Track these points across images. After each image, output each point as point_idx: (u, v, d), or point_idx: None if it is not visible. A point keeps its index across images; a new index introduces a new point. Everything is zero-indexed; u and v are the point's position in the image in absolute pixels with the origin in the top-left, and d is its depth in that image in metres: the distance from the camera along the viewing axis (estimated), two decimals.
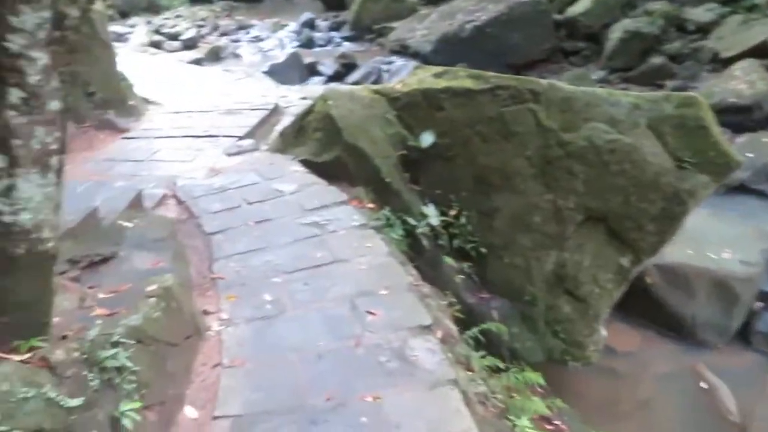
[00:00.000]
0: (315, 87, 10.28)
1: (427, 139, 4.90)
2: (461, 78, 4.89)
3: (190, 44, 14.49)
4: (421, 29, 13.33)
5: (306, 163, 5.17)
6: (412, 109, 5.03)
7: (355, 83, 11.59)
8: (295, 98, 8.50)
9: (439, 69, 5.14)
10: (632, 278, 4.81)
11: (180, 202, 4.60)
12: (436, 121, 4.95)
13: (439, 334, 3.17)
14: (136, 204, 4.31)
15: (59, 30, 1.69)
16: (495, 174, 4.91)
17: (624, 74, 11.39)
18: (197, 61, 12.21)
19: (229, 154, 5.85)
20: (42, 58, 1.69)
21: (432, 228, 4.98)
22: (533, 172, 4.72)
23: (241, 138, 6.32)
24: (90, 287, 3.05)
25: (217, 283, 3.47)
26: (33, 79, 1.69)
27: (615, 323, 5.28)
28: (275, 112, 7.50)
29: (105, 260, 3.46)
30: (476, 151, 4.90)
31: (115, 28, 16.34)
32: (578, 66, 12.33)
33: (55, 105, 1.77)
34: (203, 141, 6.33)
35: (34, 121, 1.74)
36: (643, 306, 5.44)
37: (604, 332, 4.90)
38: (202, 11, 17.02)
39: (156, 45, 14.45)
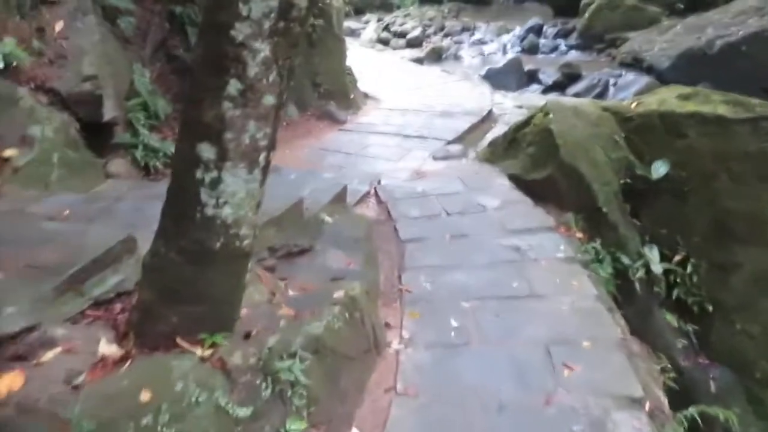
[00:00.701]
0: (532, 96, 9.79)
1: (659, 169, 4.24)
2: (714, 102, 4.13)
3: (414, 43, 14.83)
4: (661, 42, 12.01)
5: (513, 178, 4.81)
6: (646, 132, 4.39)
7: (576, 95, 10.84)
8: (509, 106, 8.16)
9: (686, 90, 4.42)
10: None
11: (380, 202, 4.55)
12: (673, 150, 4.27)
13: (648, 407, 2.64)
14: (340, 198, 4.34)
15: (284, 21, 1.54)
16: (741, 222, 4.11)
17: None
18: (419, 60, 12.41)
19: (436, 158, 5.71)
20: (264, 49, 1.59)
21: (648, 271, 4.32)
22: None
23: (449, 142, 6.16)
24: (282, 279, 3.06)
25: (403, 295, 3.29)
26: (253, 71, 1.60)
27: None
28: (488, 118, 7.23)
29: (302, 252, 3.49)
30: (721, 191, 4.13)
31: (350, 23, 17.39)
32: None
33: (270, 100, 1.68)
34: (413, 141, 6.29)
35: (247, 115, 1.66)
36: None
37: None
38: (430, 11, 17.33)
39: (383, 42, 15.05)
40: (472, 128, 6.73)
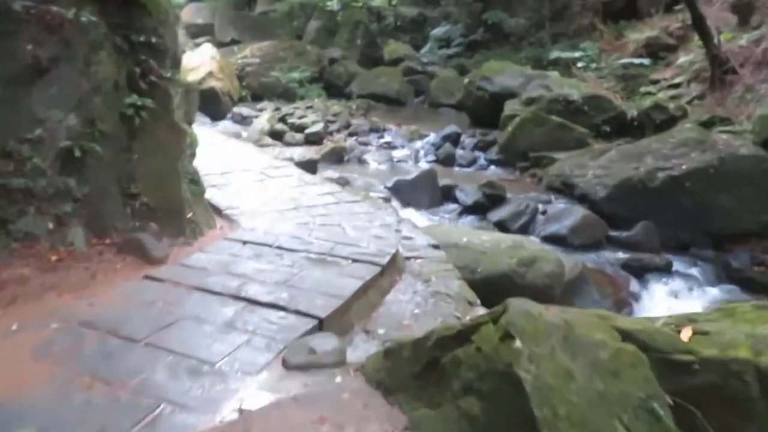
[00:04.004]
0: (451, 228, 7.55)
1: None
2: None
3: (313, 139, 12.61)
4: (595, 167, 10.47)
5: None
6: (725, 404, 1.99)
7: (500, 223, 8.88)
8: (422, 243, 5.74)
9: None
10: None
11: None
12: None
13: None
14: None
15: None
16: None
17: None
18: (313, 163, 9.99)
19: (289, 366, 3.05)
20: None
21: None
22: None
23: (321, 322, 3.56)
24: None
25: None
26: None
27: None
28: (390, 268, 4.74)
29: None
30: None
31: (242, 109, 15.06)
32: None
33: None
34: (259, 315, 3.63)
35: None
36: None
37: None
38: (336, 106, 15.31)
39: (276, 135, 12.68)
40: (364, 289, 4.19)
